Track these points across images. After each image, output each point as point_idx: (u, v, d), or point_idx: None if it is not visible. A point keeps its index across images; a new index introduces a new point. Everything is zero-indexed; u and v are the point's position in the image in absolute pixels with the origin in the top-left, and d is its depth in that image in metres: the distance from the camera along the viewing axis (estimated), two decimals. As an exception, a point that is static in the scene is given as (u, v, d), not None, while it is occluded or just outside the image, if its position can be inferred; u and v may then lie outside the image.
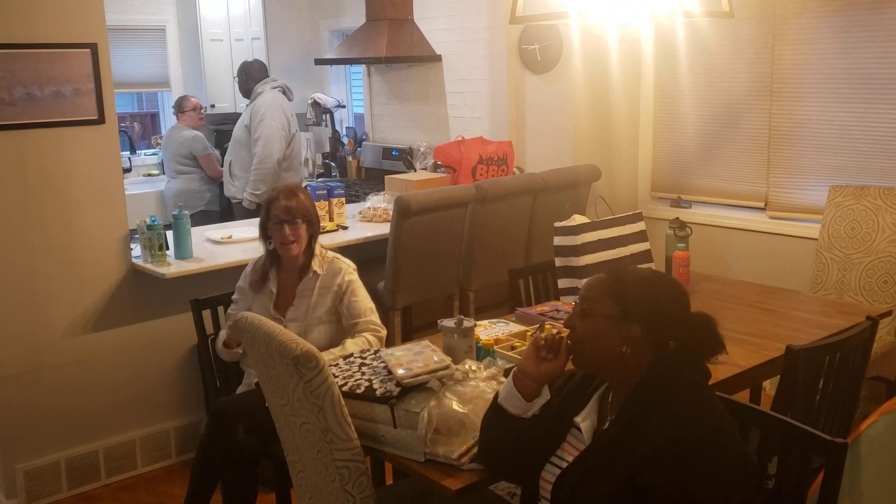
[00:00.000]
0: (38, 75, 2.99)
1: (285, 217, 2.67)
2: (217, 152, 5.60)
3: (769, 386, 3.66)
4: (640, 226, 3.18)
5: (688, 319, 1.62)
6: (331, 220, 3.91)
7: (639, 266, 2.09)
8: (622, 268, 1.71)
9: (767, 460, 1.93)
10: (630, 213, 3.24)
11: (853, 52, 3.66)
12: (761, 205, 4.11)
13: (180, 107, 5.54)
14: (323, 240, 3.61)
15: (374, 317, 2.74)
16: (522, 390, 1.73)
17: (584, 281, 2.87)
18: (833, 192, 3.70)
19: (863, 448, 1.91)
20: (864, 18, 3.61)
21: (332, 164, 5.96)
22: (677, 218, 3.35)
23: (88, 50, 3.08)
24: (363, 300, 2.75)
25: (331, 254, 2.82)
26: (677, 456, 1.47)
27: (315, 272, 2.74)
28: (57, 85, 3.04)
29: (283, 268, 2.78)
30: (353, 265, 2.81)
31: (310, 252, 2.75)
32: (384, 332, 2.74)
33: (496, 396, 1.78)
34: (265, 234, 2.75)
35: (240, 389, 2.81)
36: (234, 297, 2.85)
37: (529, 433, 1.72)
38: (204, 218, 5.17)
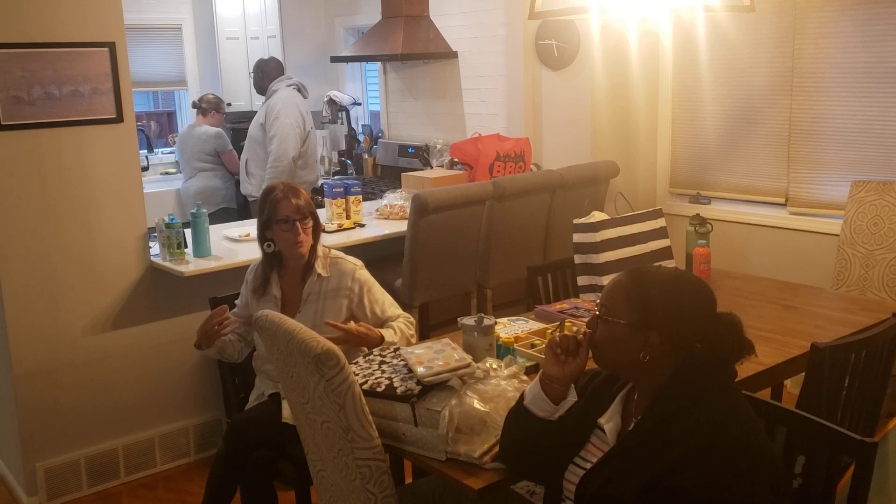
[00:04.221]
0: (56, 74, 3.00)
1: (296, 216, 2.55)
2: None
3: (790, 384, 3.62)
4: (660, 222, 3.16)
5: (713, 321, 1.57)
6: (348, 217, 3.91)
7: (662, 265, 2.04)
8: (644, 270, 1.66)
9: (793, 459, 1.90)
10: (650, 209, 3.21)
11: (875, 46, 3.61)
12: (782, 200, 4.07)
13: (216, 106, 5.56)
14: (340, 237, 3.65)
15: (398, 308, 2.68)
16: (550, 394, 1.71)
17: (604, 278, 2.86)
18: (855, 187, 3.65)
19: (891, 447, 1.88)
20: (887, 11, 3.56)
21: (349, 161, 5.96)
22: (697, 214, 3.32)
23: (106, 49, 3.09)
24: (382, 296, 2.68)
25: (333, 252, 2.70)
26: (705, 458, 1.44)
27: (320, 275, 2.62)
28: (75, 84, 3.05)
29: (286, 271, 2.67)
30: (359, 262, 2.69)
31: (312, 252, 2.63)
32: (413, 319, 2.68)
33: (521, 399, 1.76)
34: (264, 237, 2.62)
35: (252, 396, 2.76)
36: (234, 309, 2.77)
37: (554, 435, 1.70)
38: (224, 215, 5.21)
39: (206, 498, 2.60)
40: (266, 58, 5.18)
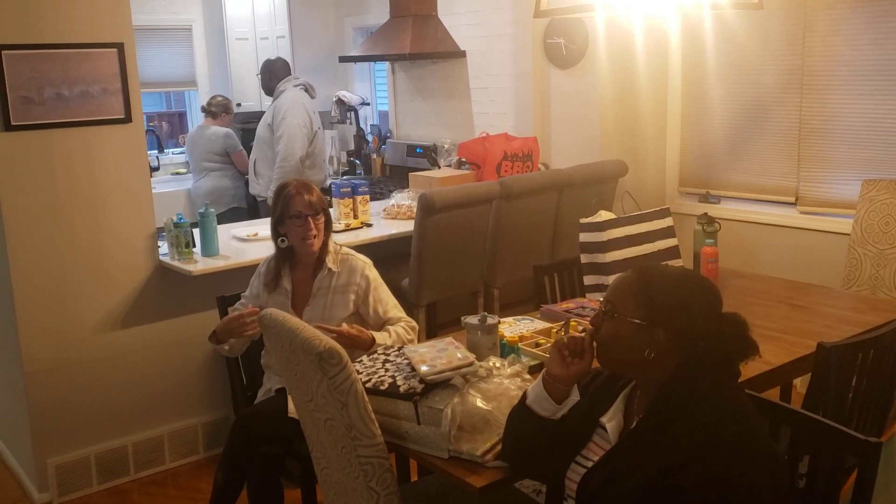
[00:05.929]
0: (66, 75, 3.03)
1: (308, 211, 2.62)
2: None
3: (800, 383, 3.60)
4: (668, 221, 3.15)
5: (718, 321, 1.57)
6: (355, 217, 3.92)
7: (668, 265, 2.04)
8: (650, 267, 1.66)
9: (798, 459, 1.89)
10: (657, 208, 3.20)
11: (886, 43, 3.59)
12: (792, 199, 4.05)
13: (226, 108, 5.60)
14: (348, 237, 3.66)
15: (402, 312, 2.71)
16: (552, 393, 1.71)
17: (610, 278, 2.86)
18: (866, 185, 3.62)
19: (897, 447, 1.86)
20: (898, 8, 3.54)
21: (357, 161, 5.97)
22: (706, 213, 3.30)
23: (115, 50, 3.11)
24: (387, 297, 2.71)
25: (345, 249, 2.76)
26: (707, 457, 1.44)
27: (330, 269, 2.68)
28: (85, 84, 3.07)
29: (297, 265, 2.73)
30: (368, 260, 2.75)
31: (324, 248, 2.69)
32: (416, 324, 2.71)
33: (523, 398, 1.76)
34: (277, 232, 2.69)
35: (260, 393, 2.78)
36: (241, 300, 2.80)
37: (556, 433, 1.70)
38: (234, 215, 5.24)
39: (214, 494, 2.62)
40: (273, 58, 5.20)
